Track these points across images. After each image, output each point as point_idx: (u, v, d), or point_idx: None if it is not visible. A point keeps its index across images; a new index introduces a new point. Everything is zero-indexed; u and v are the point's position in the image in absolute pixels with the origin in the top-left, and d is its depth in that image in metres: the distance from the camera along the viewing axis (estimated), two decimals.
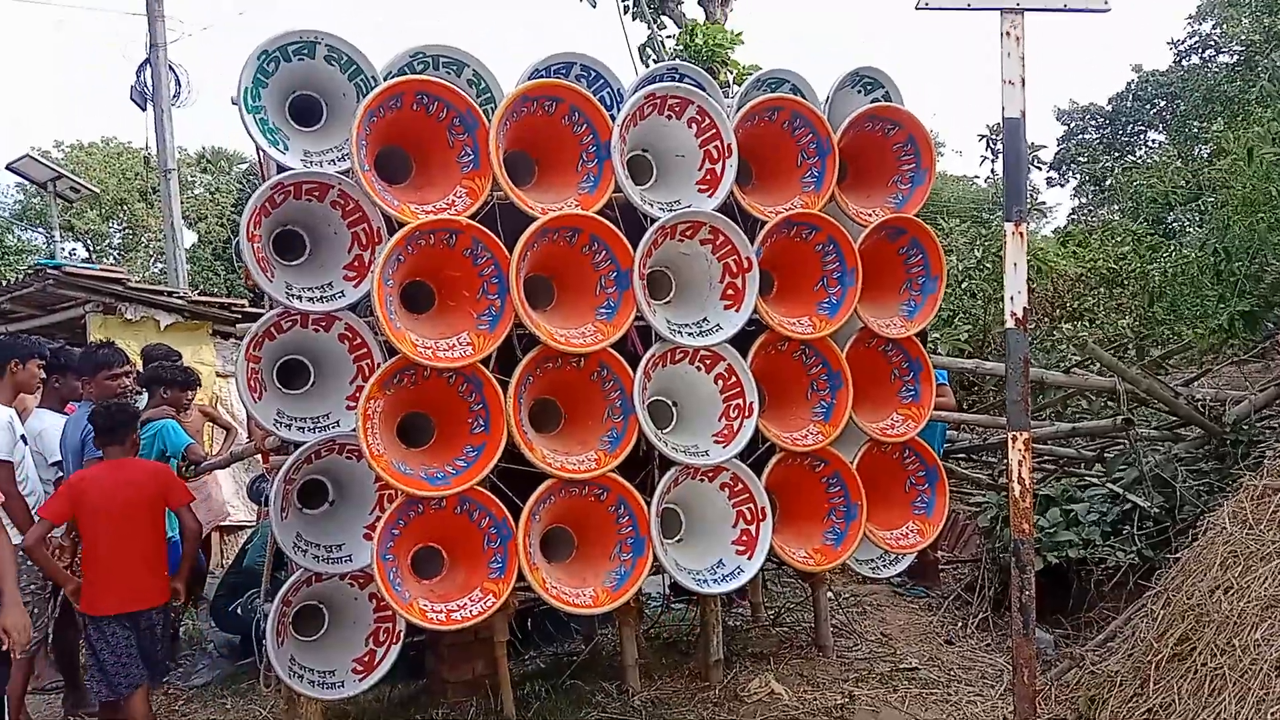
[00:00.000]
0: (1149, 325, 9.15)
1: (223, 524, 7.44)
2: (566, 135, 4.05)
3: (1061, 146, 39.64)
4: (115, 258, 29.21)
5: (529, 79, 4.07)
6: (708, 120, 4.18)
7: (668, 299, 4.44)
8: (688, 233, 4.17)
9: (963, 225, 10.69)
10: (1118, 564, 5.20)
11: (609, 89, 4.37)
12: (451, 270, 3.85)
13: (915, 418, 4.77)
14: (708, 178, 4.24)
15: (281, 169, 3.92)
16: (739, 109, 4.33)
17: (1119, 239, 10.22)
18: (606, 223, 3.95)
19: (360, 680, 4.12)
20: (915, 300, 4.72)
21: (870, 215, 4.59)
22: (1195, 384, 6.41)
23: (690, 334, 4.19)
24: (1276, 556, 3.83)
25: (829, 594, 6.38)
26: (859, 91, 4.96)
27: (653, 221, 4.06)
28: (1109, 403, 6.59)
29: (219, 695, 5.41)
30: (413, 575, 4.00)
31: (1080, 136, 40.27)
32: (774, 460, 4.44)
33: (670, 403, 4.49)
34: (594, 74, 4.35)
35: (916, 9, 3.48)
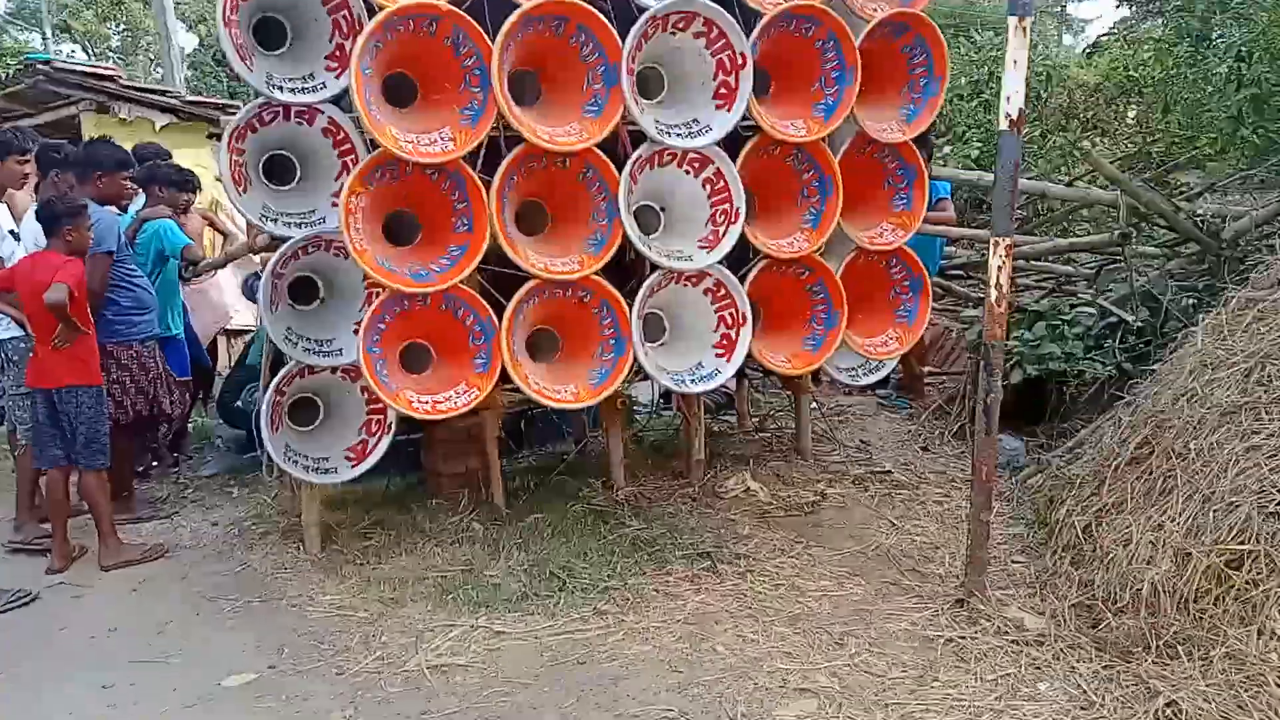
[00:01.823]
0: (1164, 138, 8.87)
1: (228, 327, 7.58)
2: None
3: None
4: (114, 61, 28.30)
5: None
6: None
7: (659, 99, 4.31)
8: (680, 24, 3.99)
9: (997, 39, 10.19)
10: (1095, 376, 5.29)
11: None
12: (433, 61, 3.72)
13: (905, 226, 4.73)
14: None
15: None
16: None
17: (1141, 45, 9.73)
18: (594, 10, 3.78)
19: (353, 467, 4.31)
20: (915, 103, 4.57)
21: (875, 10, 4.37)
22: (1198, 199, 6.27)
23: (679, 135, 4.10)
24: (1243, 364, 3.87)
25: (813, 404, 6.59)
26: None
27: (643, 11, 3.88)
28: (1113, 220, 6.49)
29: (226, 485, 5.71)
30: (401, 369, 4.11)
31: None
32: (758, 266, 4.44)
33: (658, 207, 4.45)
34: None
35: None
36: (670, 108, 4.24)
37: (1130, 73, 9.46)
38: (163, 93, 8.03)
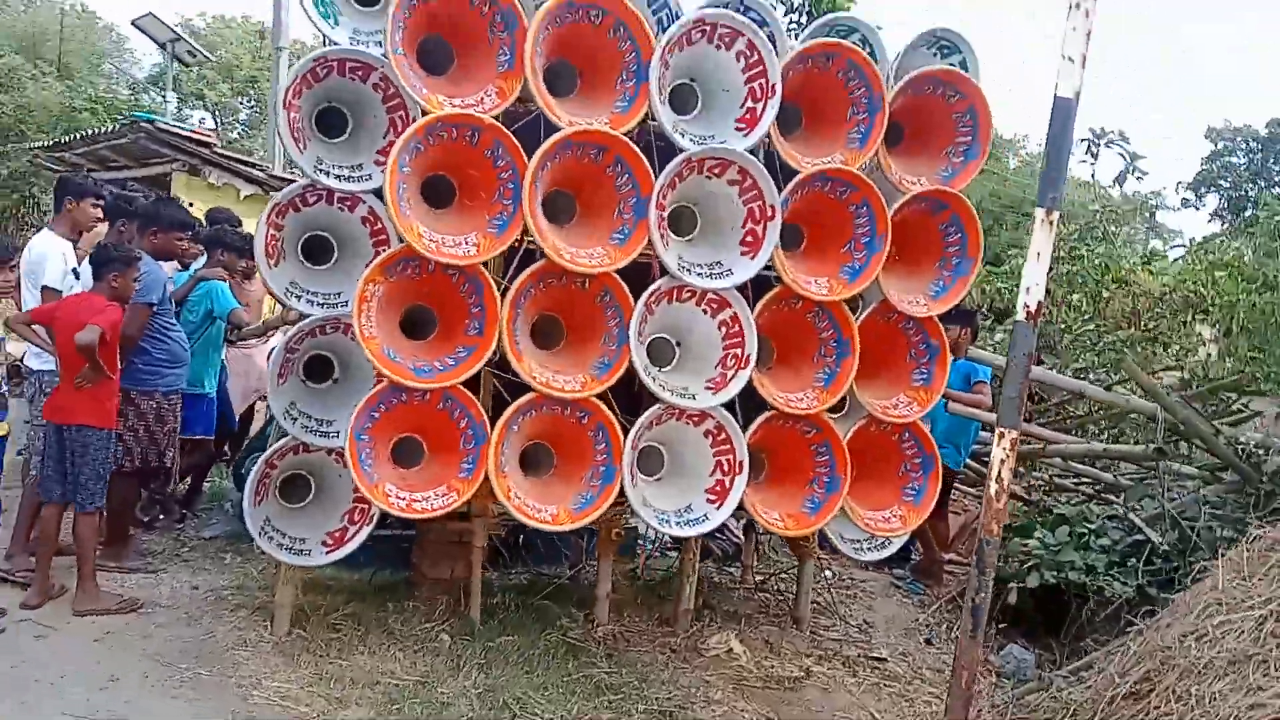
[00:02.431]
0: (1234, 359, 8.68)
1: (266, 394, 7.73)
2: (611, 50, 3.99)
3: (1204, 167, 37.41)
4: (241, 131, 30.24)
5: None
6: (756, 56, 4.06)
7: (690, 236, 4.38)
8: (716, 170, 4.09)
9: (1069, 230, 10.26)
10: (1115, 595, 5.02)
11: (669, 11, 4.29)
12: (472, 169, 3.86)
13: (922, 401, 4.64)
14: (747, 116, 4.14)
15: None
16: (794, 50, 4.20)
17: (1216, 261, 9.67)
18: (632, 145, 3.90)
19: (327, 553, 4.26)
20: (946, 280, 4.55)
21: (915, 184, 4.42)
22: (1245, 426, 6.04)
23: (700, 274, 4.13)
24: (1259, 610, 3.65)
25: (826, 574, 6.35)
26: (935, 53, 4.76)
27: (681, 152, 3.99)
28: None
29: (223, 549, 5.67)
30: (390, 461, 4.10)
31: (1226, 159, 37.93)
32: (763, 417, 4.38)
33: (674, 342, 4.46)
34: None
35: None
36: (699, 247, 4.30)
37: (1201, 288, 9.37)
38: (251, 164, 8.48)
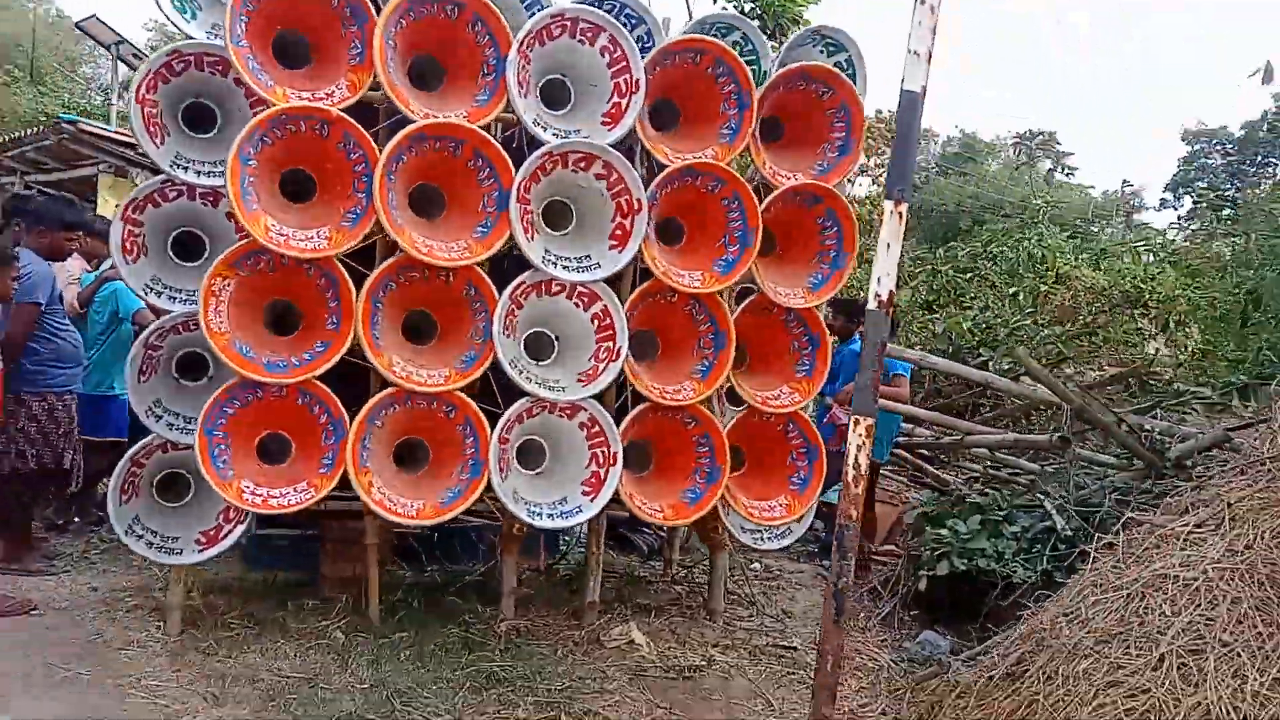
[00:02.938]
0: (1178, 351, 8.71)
1: None
2: (470, 44, 3.97)
3: (1181, 170, 37.61)
4: None
5: None
6: (619, 51, 4.05)
7: (566, 230, 4.36)
8: (581, 164, 4.07)
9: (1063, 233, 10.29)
10: (1021, 580, 5.05)
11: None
12: (326, 163, 3.84)
13: (803, 392, 4.62)
14: (613, 111, 4.12)
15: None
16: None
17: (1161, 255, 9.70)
18: (490, 139, 3.88)
19: (200, 551, 4.20)
20: (823, 273, 4.54)
21: (790, 178, 4.41)
22: (1150, 414, 6.05)
23: (568, 267, 4.11)
24: (1126, 589, 3.68)
25: (755, 566, 6.33)
26: (821, 51, 4.75)
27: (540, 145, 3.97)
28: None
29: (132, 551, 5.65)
30: (253, 457, 4.06)
31: (1203, 160, 38.15)
32: (638, 409, 4.36)
33: (553, 335, 4.44)
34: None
35: None
36: (573, 240, 4.28)
37: (1139, 283, 9.41)
38: None
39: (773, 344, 4.67)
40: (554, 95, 4.29)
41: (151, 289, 4.11)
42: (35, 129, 8.52)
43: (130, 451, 4.16)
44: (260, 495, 3.88)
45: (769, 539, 5.13)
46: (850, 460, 3.43)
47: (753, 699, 4.39)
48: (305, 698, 3.85)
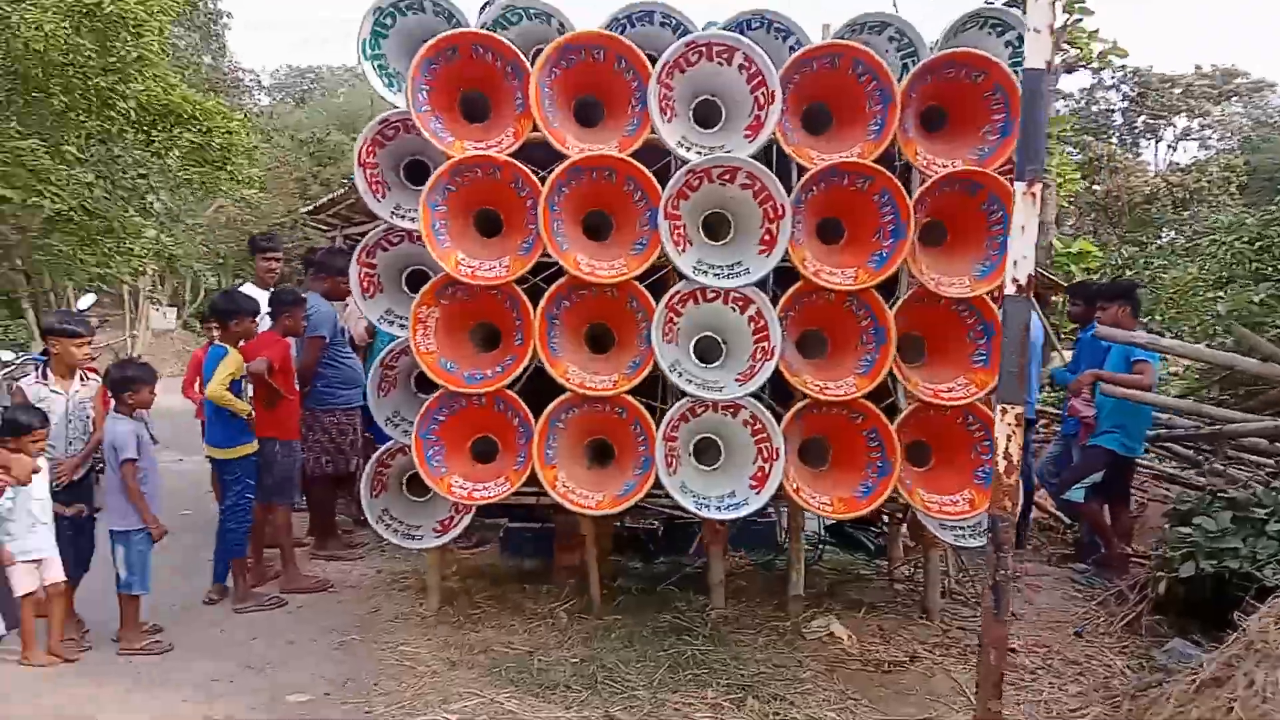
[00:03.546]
0: None
1: None
2: (619, 80, 4.40)
3: None
4: None
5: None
6: (754, 67, 4.27)
7: (727, 240, 4.63)
8: (725, 177, 4.33)
9: None
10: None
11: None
12: (506, 200, 4.44)
13: (979, 384, 4.52)
14: (753, 124, 4.35)
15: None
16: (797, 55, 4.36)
17: None
18: (634, 163, 4.28)
19: (437, 537, 4.97)
20: (992, 259, 4.43)
21: (945, 166, 4.37)
22: None
23: (718, 275, 4.39)
24: None
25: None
26: (989, 33, 4.67)
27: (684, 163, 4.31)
28: None
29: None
30: (466, 457, 4.74)
31: None
32: (799, 404, 4.52)
33: (721, 340, 4.73)
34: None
35: None
36: (728, 249, 4.55)
37: None
38: None
39: (947, 335, 4.62)
40: (708, 115, 4.60)
41: (385, 319, 4.96)
42: (344, 187, 10.18)
43: (375, 454, 5.03)
44: (466, 489, 4.54)
45: (969, 536, 5.03)
46: (1000, 449, 3.42)
47: (954, 697, 4.37)
48: (523, 667, 4.43)
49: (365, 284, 4.90)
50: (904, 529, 5.87)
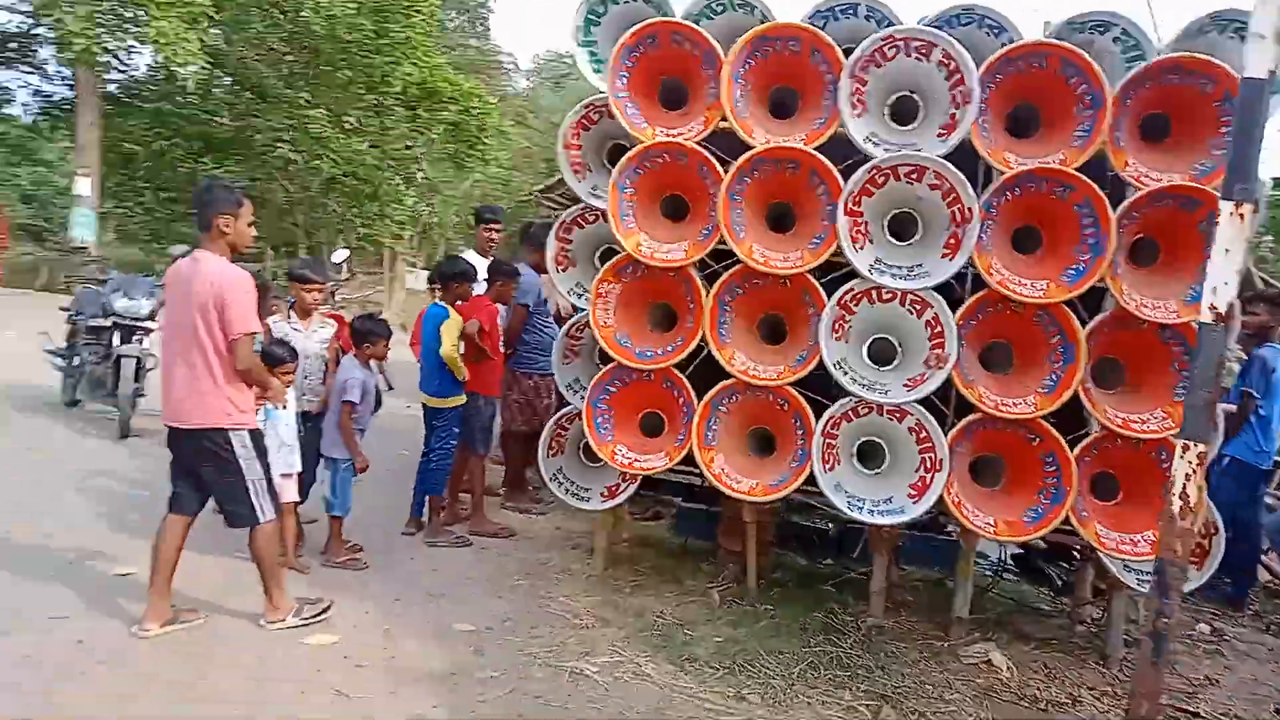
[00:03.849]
0: None
1: None
2: (813, 74, 4.40)
3: None
4: None
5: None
6: (954, 64, 4.13)
7: (912, 240, 4.53)
8: (913, 176, 4.24)
9: None
10: None
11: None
12: (689, 186, 4.58)
13: (1180, 419, 4.13)
14: (948, 123, 4.22)
15: None
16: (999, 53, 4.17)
17: None
18: (818, 156, 4.27)
19: (603, 501, 5.23)
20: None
21: (1159, 179, 4.04)
22: None
23: (896, 275, 4.30)
24: None
25: (1201, 628, 5.66)
26: (1231, 38, 4.27)
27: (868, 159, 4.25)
28: None
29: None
30: (633, 428, 4.95)
31: None
32: (971, 418, 4.35)
33: (896, 343, 4.63)
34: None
35: None
36: (912, 249, 4.44)
37: None
38: None
39: (1149, 363, 4.27)
40: (906, 111, 4.50)
41: (574, 290, 5.26)
42: None
43: (554, 417, 5.36)
44: (630, 458, 4.76)
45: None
46: (1176, 490, 3.19)
47: None
48: (669, 636, 4.61)
49: (560, 258, 5.22)
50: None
